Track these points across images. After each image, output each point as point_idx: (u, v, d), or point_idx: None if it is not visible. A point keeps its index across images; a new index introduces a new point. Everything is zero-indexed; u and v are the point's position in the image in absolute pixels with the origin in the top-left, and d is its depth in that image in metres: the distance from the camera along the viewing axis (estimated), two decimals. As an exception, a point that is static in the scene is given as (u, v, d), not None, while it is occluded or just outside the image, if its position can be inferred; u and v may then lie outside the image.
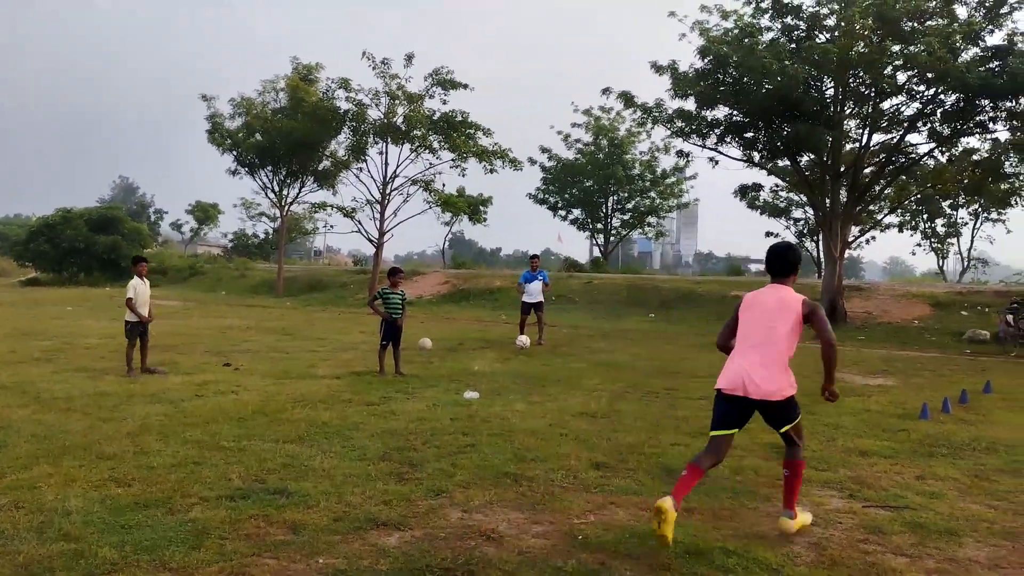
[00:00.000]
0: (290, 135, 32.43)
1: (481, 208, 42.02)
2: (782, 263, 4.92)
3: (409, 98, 30.79)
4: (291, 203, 37.85)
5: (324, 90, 32.74)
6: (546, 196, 46.67)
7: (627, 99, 22.47)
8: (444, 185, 34.10)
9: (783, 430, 4.68)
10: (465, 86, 31.08)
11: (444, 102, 30.84)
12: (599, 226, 47.48)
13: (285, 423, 7.28)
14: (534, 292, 15.55)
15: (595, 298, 26.40)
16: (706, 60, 20.40)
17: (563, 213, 46.97)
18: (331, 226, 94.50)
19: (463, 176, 32.29)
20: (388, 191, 32.20)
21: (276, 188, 37.05)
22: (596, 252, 51.61)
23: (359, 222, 32.98)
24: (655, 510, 4.18)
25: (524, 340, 14.63)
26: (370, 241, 33.01)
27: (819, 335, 4.59)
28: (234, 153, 35.79)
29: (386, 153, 31.84)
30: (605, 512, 4.97)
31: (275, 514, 4.69)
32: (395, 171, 32.01)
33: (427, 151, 31.77)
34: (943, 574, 4.08)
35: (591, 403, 8.73)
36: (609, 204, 46.65)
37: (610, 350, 14.86)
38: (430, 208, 34.44)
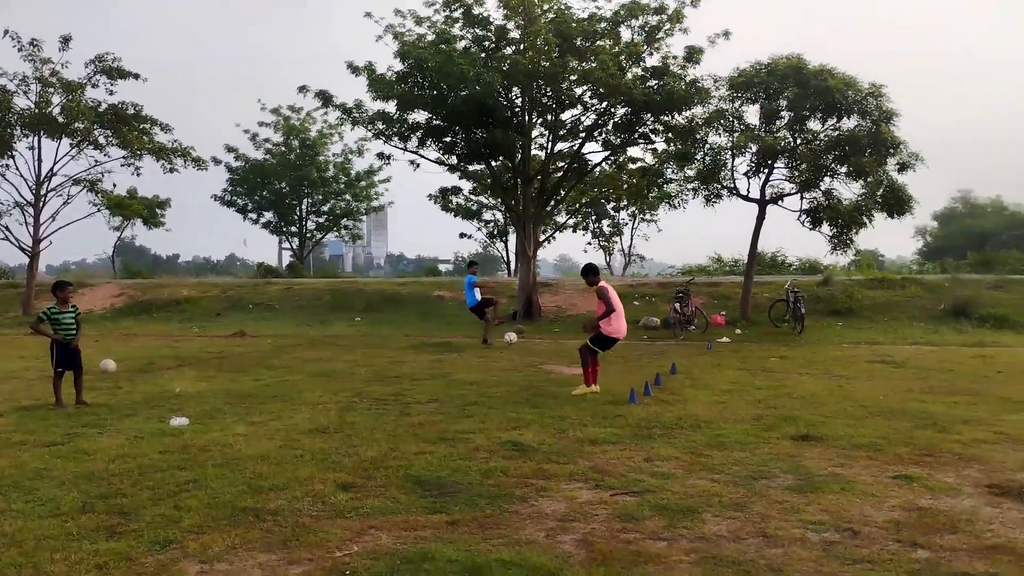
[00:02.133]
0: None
1: (158, 211, 38.35)
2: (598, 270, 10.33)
3: (66, 86, 26.93)
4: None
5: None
6: (234, 198, 43.87)
7: (325, 99, 21.79)
8: (115, 186, 30.46)
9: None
10: (136, 76, 27.96)
11: (111, 92, 27.51)
12: (293, 229, 45.79)
13: (-64, 481, 5.78)
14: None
15: (297, 304, 25.28)
16: (406, 63, 20.49)
17: (254, 216, 44.53)
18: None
19: (137, 175, 29.06)
20: (44, 192, 27.87)
21: None
22: (287, 256, 49.77)
23: (6, 227, 28.16)
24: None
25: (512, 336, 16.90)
26: (22, 250, 28.31)
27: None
28: None
29: (38, 148, 27.56)
30: (367, 538, 4.58)
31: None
32: (52, 169, 27.83)
33: (92, 147, 28.09)
34: (698, 552, 4.33)
35: (320, 418, 8.17)
36: (304, 206, 45.18)
37: (324, 359, 14.22)
38: (98, 211, 30.51)
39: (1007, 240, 47.91)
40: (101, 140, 27.87)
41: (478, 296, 17.19)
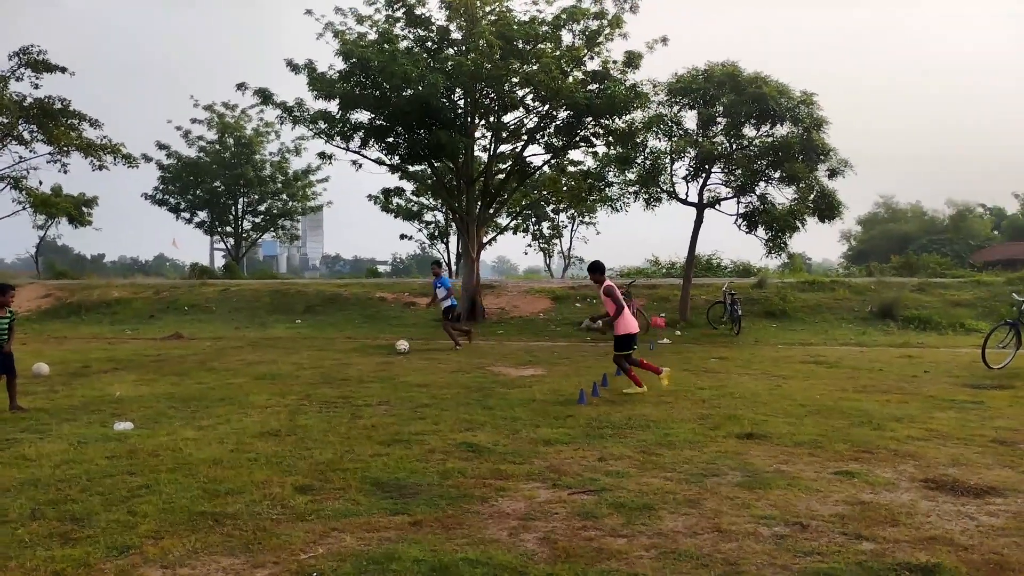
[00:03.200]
0: None
1: (85, 209, 37.08)
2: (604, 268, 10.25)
3: (-12, 79, 25.83)
4: None
5: None
6: (166, 197, 42.66)
7: (265, 97, 21.42)
8: (40, 183, 29.33)
9: None
10: (63, 69, 26.99)
11: (36, 86, 26.51)
12: (228, 229, 44.79)
13: None
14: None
15: (234, 306, 24.76)
16: (348, 62, 20.30)
17: (187, 215, 43.39)
18: None
19: (65, 173, 28.08)
20: (-37, 189, 26.71)
21: None
22: (219, 257, 48.69)
23: (-78, 226, 26.86)
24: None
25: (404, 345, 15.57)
26: (-61, 249, 27.03)
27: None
28: None
29: (-42, 143, 26.37)
30: (331, 540, 4.58)
31: None
32: (-29, 165, 26.66)
33: (16, 143, 27.01)
34: (658, 548, 4.47)
35: (270, 421, 8.08)
36: (239, 206, 44.24)
37: (267, 361, 14.00)
38: (23, 209, 29.33)
39: (927, 244, 50.16)
40: (26, 136, 26.83)
41: (454, 299, 16.86)
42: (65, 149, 27.05)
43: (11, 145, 26.92)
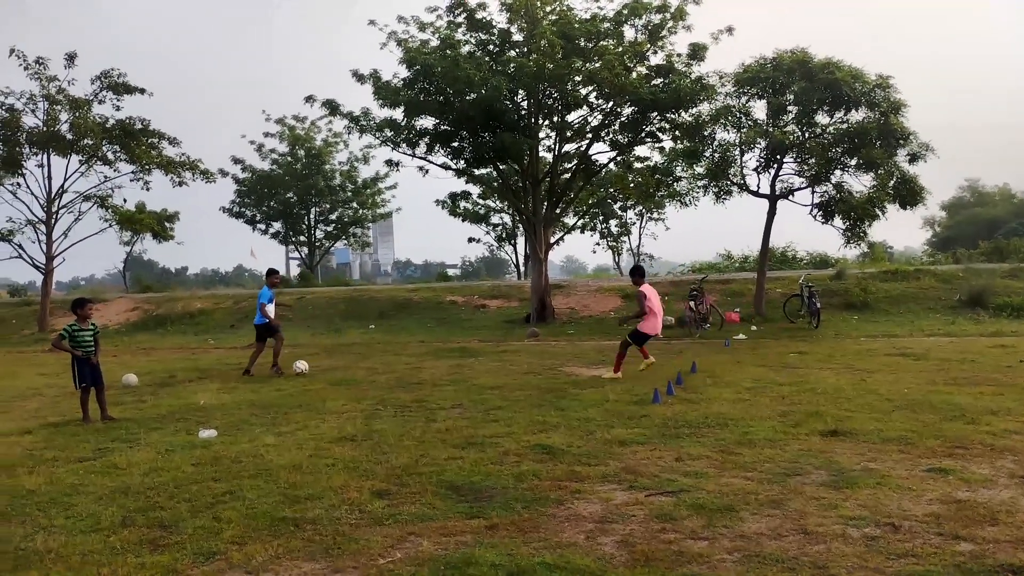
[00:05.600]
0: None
1: (167, 224, 38.52)
2: (644, 272, 11.48)
3: (73, 103, 27.14)
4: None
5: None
6: (242, 209, 44.04)
7: (332, 108, 21.87)
8: (125, 200, 30.63)
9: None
10: (142, 91, 28.20)
11: (117, 108, 27.73)
12: (302, 238, 45.95)
13: (-26, 500, 5.83)
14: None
15: (310, 313, 25.35)
16: (412, 69, 20.54)
17: (263, 227, 44.70)
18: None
19: (147, 190, 29.28)
20: (55, 209, 28.09)
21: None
22: (295, 266, 49.88)
23: (19, 246, 28.38)
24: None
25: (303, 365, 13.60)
26: (35, 267, 28.53)
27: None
28: None
29: (48, 166, 27.80)
30: (408, 545, 4.59)
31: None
32: (62, 186, 28.05)
33: (101, 163, 28.31)
34: (740, 551, 4.33)
35: (346, 426, 8.21)
36: (312, 215, 45.33)
37: (342, 367, 14.26)
38: (109, 226, 30.66)
39: (1017, 228, 47.71)
40: (110, 156, 28.16)
41: (271, 314, 14.04)
42: (147, 167, 28.27)
43: (96, 165, 28.22)
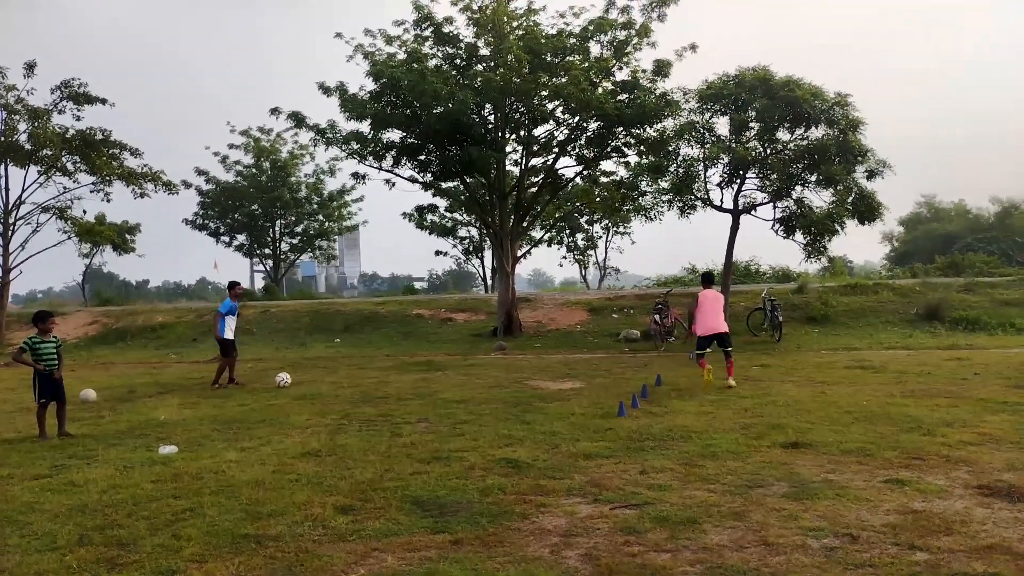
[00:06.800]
0: None
1: (128, 236, 37.90)
2: (711, 279, 12.62)
3: (32, 113, 26.63)
4: None
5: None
6: (206, 221, 43.47)
7: (298, 120, 21.74)
8: (85, 212, 30.07)
9: (728, 348, 11.87)
10: (103, 101, 27.74)
11: (78, 118, 27.25)
12: (267, 251, 45.49)
13: (-76, 519, 5.67)
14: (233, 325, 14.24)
15: (274, 327, 25.06)
16: (379, 83, 20.52)
17: (226, 239, 44.15)
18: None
19: (108, 202, 28.77)
20: (12, 221, 27.48)
21: None
22: (259, 279, 49.35)
23: (-27, 258, 27.64)
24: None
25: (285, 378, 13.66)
26: (-10, 280, 27.80)
27: None
28: None
29: (5, 176, 27.21)
30: (372, 561, 4.57)
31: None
32: (20, 197, 27.45)
33: (60, 173, 27.76)
34: (703, 563, 4.38)
35: (311, 441, 8.13)
36: (277, 228, 44.91)
37: (307, 381, 14.12)
38: (68, 238, 30.06)
39: (972, 244, 48.97)
40: (69, 166, 27.54)
41: (229, 331, 13.99)
42: (107, 178, 27.74)
43: (55, 176, 27.66)
